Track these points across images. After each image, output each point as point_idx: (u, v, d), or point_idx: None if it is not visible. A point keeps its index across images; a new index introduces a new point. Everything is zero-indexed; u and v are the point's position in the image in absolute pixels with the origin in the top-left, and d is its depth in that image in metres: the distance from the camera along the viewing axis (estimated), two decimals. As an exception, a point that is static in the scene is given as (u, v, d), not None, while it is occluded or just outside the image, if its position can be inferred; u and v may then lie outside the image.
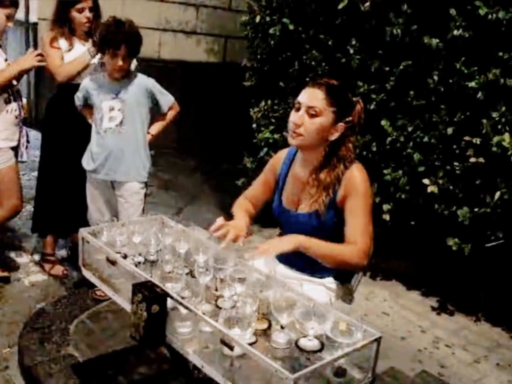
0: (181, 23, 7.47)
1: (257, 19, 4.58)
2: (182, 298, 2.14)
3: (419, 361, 3.40)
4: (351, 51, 3.97)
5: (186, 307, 1.98)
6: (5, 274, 4.01)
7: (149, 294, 2.02)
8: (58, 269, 4.15)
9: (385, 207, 3.92)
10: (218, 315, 1.98)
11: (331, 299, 2.08)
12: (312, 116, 2.32)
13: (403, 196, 3.85)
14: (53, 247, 4.23)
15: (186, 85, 7.17)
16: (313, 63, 4.18)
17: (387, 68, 3.85)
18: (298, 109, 2.37)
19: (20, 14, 7.44)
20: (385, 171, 3.90)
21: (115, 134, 3.56)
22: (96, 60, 3.76)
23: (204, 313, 2.08)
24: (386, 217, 3.92)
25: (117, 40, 3.34)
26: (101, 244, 2.41)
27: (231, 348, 1.80)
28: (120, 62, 3.39)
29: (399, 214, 3.94)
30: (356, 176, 2.35)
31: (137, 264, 2.40)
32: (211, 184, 6.50)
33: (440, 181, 3.63)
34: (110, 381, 2.88)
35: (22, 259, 4.39)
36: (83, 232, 2.51)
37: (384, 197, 3.94)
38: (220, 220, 2.49)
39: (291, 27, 4.27)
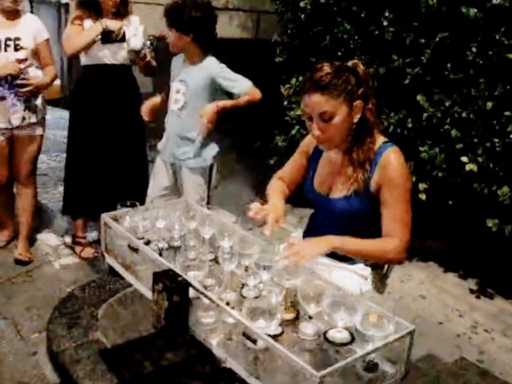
0: (213, 0, 7.33)
1: (287, -8, 4.44)
2: (205, 286, 2.06)
3: (457, 347, 3.27)
4: (385, 23, 3.80)
5: (208, 297, 1.89)
6: (29, 257, 3.99)
7: (170, 284, 1.94)
8: (89, 252, 4.13)
9: (421, 186, 3.77)
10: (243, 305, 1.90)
11: (361, 288, 1.96)
12: (328, 120, 2.17)
13: (440, 175, 3.69)
14: (83, 229, 4.20)
15: (227, 60, 7.07)
16: (345, 36, 4.03)
17: (423, 41, 3.68)
18: (310, 119, 2.22)
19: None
20: (421, 149, 3.75)
21: (175, 117, 3.50)
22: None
23: (228, 303, 2.01)
24: (423, 196, 3.77)
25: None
26: (123, 230, 2.33)
27: (253, 341, 1.71)
28: (170, 38, 3.35)
29: (436, 193, 3.79)
30: (391, 163, 2.20)
31: (160, 250, 2.32)
32: (244, 163, 6.39)
33: (479, 159, 3.47)
34: (137, 366, 2.83)
35: (54, 241, 4.38)
36: (105, 217, 2.43)
37: (420, 176, 3.79)
38: (255, 205, 2.39)
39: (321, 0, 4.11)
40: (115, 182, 3.95)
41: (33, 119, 3.72)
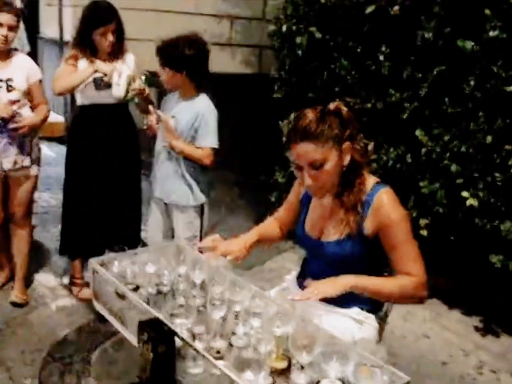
0: (215, 36, 7.37)
1: (284, 28, 4.45)
2: (194, 334, 1.99)
3: (462, 389, 3.17)
4: (381, 58, 3.79)
5: (193, 348, 1.82)
6: (24, 299, 3.92)
7: (155, 333, 1.87)
8: (86, 293, 4.04)
9: (422, 221, 3.71)
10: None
11: (354, 335, 1.88)
12: (319, 167, 2.10)
13: (441, 210, 3.63)
14: (81, 270, 4.13)
15: (221, 97, 7.06)
16: (342, 72, 4.01)
17: (420, 75, 3.65)
18: (299, 169, 2.16)
19: (54, 33, 7.52)
20: (421, 184, 3.69)
21: (165, 154, 3.48)
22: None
23: (219, 351, 1.94)
24: (424, 232, 3.69)
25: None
26: (110, 275, 2.27)
27: (238, 398, 1.63)
28: (163, 76, 3.35)
29: (437, 229, 3.72)
30: (386, 205, 2.13)
31: (150, 296, 2.25)
32: (248, 198, 6.34)
33: (480, 194, 3.41)
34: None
35: (52, 282, 4.32)
36: (93, 262, 2.37)
37: (421, 211, 3.72)
38: (214, 236, 2.42)
39: (318, 35, 4.11)
40: (112, 221, 3.90)
41: (26, 162, 3.68)
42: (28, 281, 4.16)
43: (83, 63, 3.68)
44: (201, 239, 3.53)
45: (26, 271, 4.04)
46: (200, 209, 3.55)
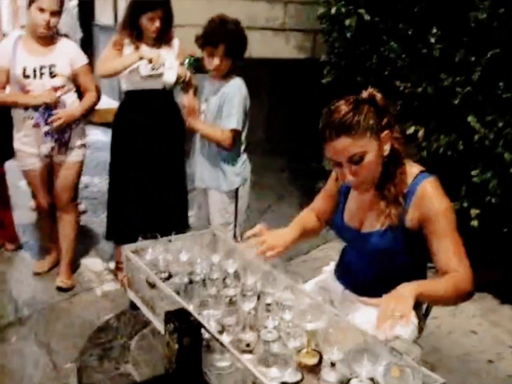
0: (269, 20, 7.28)
1: (333, 10, 4.32)
2: (223, 326, 1.94)
3: (509, 389, 3.01)
4: (432, 40, 3.62)
5: (219, 341, 1.76)
6: (70, 284, 3.96)
7: (181, 325, 1.82)
8: (130, 278, 4.06)
9: (473, 212, 3.54)
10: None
11: (387, 335, 1.78)
12: (358, 162, 1.98)
13: (493, 200, 3.46)
14: (126, 254, 4.14)
15: (274, 83, 7.07)
16: (392, 55, 3.86)
17: (473, 58, 3.48)
18: (338, 165, 2.03)
19: (109, 20, 7.58)
20: (473, 173, 3.52)
21: (200, 138, 3.48)
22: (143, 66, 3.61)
23: (248, 344, 1.88)
24: (474, 223, 3.53)
25: (216, 38, 3.24)
26: (141, 263, 2.23)
27: (261, 395, 1.56)
28: (217, 61, 3.27)
29: (489, 220, 3.55)
30: (429, 195, 2.00)
31: (181, 286, 2.20)
32: (298, 184, 6.25)
33: (535, 183, 3.23)
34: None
35: (98, 267, 4.35)
36: (126, 249, 2.34)
37: (472, 201, 3.56)
38: (259, 226, 2.30)
39: (367, 17, 3.99)
40: (157, 207, 3.89)
41: (65, 150, 3.69)
42: (74, 266, 4.20)
43: (128, 49, 3.67)
44: (235, 227, 3.49)
45: (72, 256, 4.08)
46: (235, 196, 3.50)
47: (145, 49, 3.60)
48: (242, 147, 3.53)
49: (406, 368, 1.57)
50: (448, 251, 1.99)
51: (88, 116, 4.20)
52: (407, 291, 1.87)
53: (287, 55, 7.36)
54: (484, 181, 3.45)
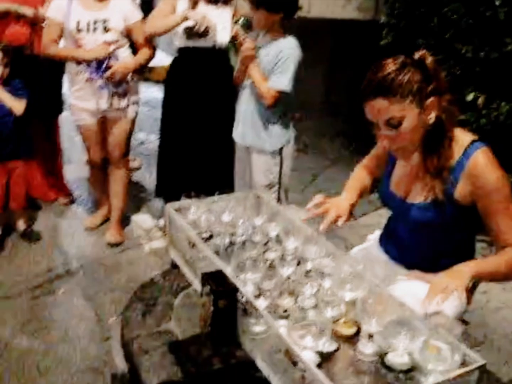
0: (331, -21, 7.10)
1: (393, -31, 4.14)
2: (261, 290, 1.90)
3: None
4: (497, 3, 3.42)
5: (253, 306, 1.72)
6: (119, 239, 4.00)
7: (217, 287, 1.79)
8: (179, 236, 4.08)
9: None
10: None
11: (429, 309, 1.71)
12: (395, 126, 1.87)
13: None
14: (175, 212, 4.15)
15: (336, 44, 6.93)
16: (454, 16, 3.68)
17: (541, 21, 3.27)
18: (377, 127, 1.93)
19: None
20: (534, 143, 3.35)
21: (247, 94, 3.40)
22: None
23: (286, 310, 1.84)
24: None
25: None
26: (182, 222, 2.21)
27: (294, 363, 1.52)
28: (257, 17, 3.21)
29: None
30: (481, 167, 1.88)
31: (222, 247, 2.17)
32: (354, 149, 6.13)
33: None
34: (205, 363, 2.71)
35: (148, 223, 4.38)
36: (169, 207, 2.32)
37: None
38: (319, 197, 2.19)
39: (428, -24, 3.79)
40: (206, 165, 3.89)
41: (122, 104, 3.69)
42: (124, 222, 4.26)
43: (182, 4, 3.61)
44: (279, 189, 3.44)
45: (122, 212, 4.13)
46: (280, 157, 3.43)
47: (191, 11, 3.55)
48: (289, 107, 3.44)
49: (444, 345, 1.50)
50: (505, 226, 1.89)
51: (143, 72, 4.19)
52: (464, 271, 1.81)
53: (348, 16, 7.17)
54: (548, 152, 3.28)
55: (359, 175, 2.39)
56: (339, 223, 2.13)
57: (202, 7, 3.63)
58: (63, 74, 3.92)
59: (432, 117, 1.89)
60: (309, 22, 6.98)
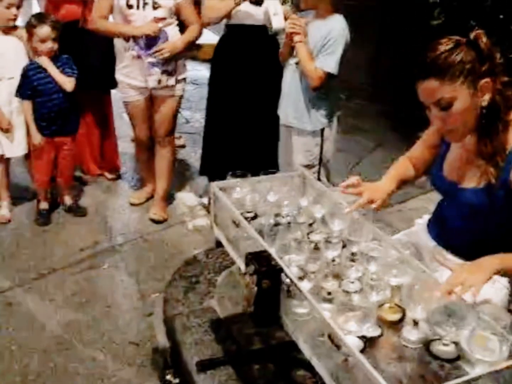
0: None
1: None
2: (305, 272, 1.88)
3: None
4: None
5: (297, 287, 1.70)
6: (163, 216, 4.02)
7: (261, 267, 1.78)
8: (222, 214, 4.08)
9: None
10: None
11: (475, 298, 1.66)
12: (447, 108, 1.81)
13: None
14: (219, 191, 4.16)
15: (384, 23, 6.76)
16: (510, -4, 3.55)
17: None
18: (429, 108, 1.88)
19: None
20: None
21: (291, 72, 3.36)
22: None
23: (329, 293, 1.81)
24: None
25: None
26: (227, 201, 2.20)
27: (337, 347, 1.50)
28: None
29: None
30: None
31: (267, 227, 2.15)
32: (399, 132, 6.02)
33: None
34: (245, 341, 2.71)
35: (192, 201, 4.40)
36: (214, 186, 2.31)
37: None
38: (354, 178, 2.16)
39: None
40: (251, 144, 3.87)
41: (171, 82, 3.68)
42: (169, 199, 4.28)
43: None
44: (319, 170, 3.40)
45: (167, 189, 4.14)
46: (321, 138, 3.39)
47: None
48: (333, 90, 3.40)
49: (492, 335, 1.46)
50: None
51: (191, 50, 4.18)
52: (487, 264, 1.73)
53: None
54: None
55: (402, 165, 2.35)
56: (372, 206, 2.11)
57: None
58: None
59: (485, 99, 1.83)
60: (357, 1, 6.87)
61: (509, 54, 3.64)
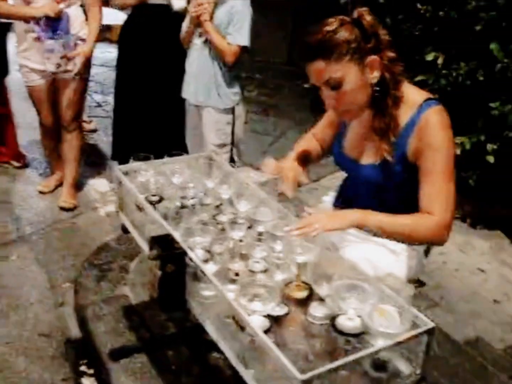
0: None
1: None
2: (211, 253, 1.85)
3: (512, 331, 2.91)
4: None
5: (200, 269, 1.67)
6: (73, 203, 3.91)
7: (165, 251, 1.73)
8: (135, 200, 4.00)
9: (490, 146, 3.36)
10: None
11: (376, 271, 1.68)
12: (336, 87, 1.82)
13: (510, 135, 3.27)
14: (131, 175, 4.07)
15: (299, 4, 6.71)
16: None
17: (500, -20, 3.22)
18: (321, 89, 1.88)
19: None
20: (492, 105, 3.32)
21: (198, 52, 3.34)
22: None
23: (237, 274, 1.79)
24: (491, 158, 3.35)
25: None
26: (131, 185, 2.14)
27: (242, 328, 1.48)
28: None
29: (506, 156, 3.37)
30: (430, 126, 1.83)
31: (172, 210, 2.11)
32: (316, 111, 6.07)
33: (557, 119, 3.04)
34: (159, 327, 2.67)
35: (104, 187, 4.28)
36: (117, 170, 2.25)
37: (490, 135, 3.39)
38: (270, 160, 2.14)
39: None
40: (159, 127, 3.81)
41: (70, 66, 3.54)
42: (80, 186, 4.16)
43: None
44: (232, 149, 3.40)
45: (75, 176, 4.02)
46: (232, 116, 3.40)
47: None
48: (241, 68, 3.43)
49: (392, 308, 1.48)
50: (433, 191, 1.84)
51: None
52: (347, 214, 1.81)
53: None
54: (503, 114, 3.26)
55: (307, 143, 2.35)
56: (303, 182, 2.10)
57: None
58: (7, 34, 3.76)
59: (375, 76, 1.84)
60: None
61: (415, 31, 3.72)
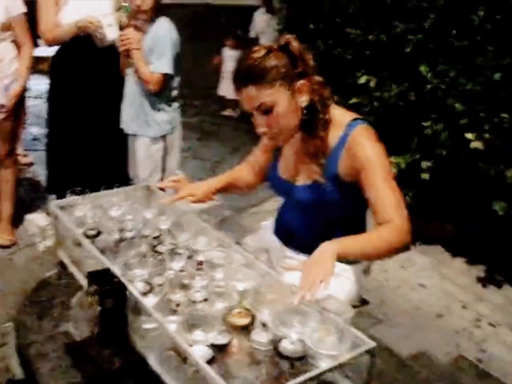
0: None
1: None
2: (152, 286, 1.83)
3: (456, 344, 2.95)
4: (384, -13, 3.46)
5: (140, 303, 1.66)
6: (10, 240, 3.82)
7: (102, 286, 1.71)
8: (75, 233, 3.93)
9: (424, 164, 3.46)
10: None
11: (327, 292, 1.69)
12: (267, 112, 1.88)
13: (444, 153, 3.38)
14: (70, 208, 3.99)
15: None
16: (343, 1, 3.69)
17: (425, 4, 3.34)
18: (253, 115, 1.93)
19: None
20: (424, 124, 3.42)
21: (130, 81, 3.35)
22: None
23: (178, 304, 1.78)
24: (426, 176, 3.45)
25: None
26: (67, 220, 2.11)
27: (183, 359, 1.47)
28: (138, 1, 3.15)
29: (440, 173, 3.47)
30: (360, 144, 1.89)
31: (110, 244, 2.08)
32: (257, 136, 6.11)
33: (486, 136, 3.13)
34: (103, 362, 2.62)
35: (43, 221, 4.19)
36: (53, 206, 2.21)
37: (424, 154, 3.48)
38: (179, 175, 2.30)
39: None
40: (98, 158, 3.74)
41: (1, 100, 3.49)
42: (18, 221, 4.06)
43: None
44: (162, 178, 3.40)
45: (11, 212, 3.93)
46: (163, 144, 3.41)
47: (81, 20, 3.41)
48: (174, 93, 3.40)
49: (334, 329, 1.49)
50: (383, 200, 1.86)
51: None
52: (326, 252, 1.75)
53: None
54: (436, 133, 3.36)
55: (238, 170, 2.41)
56: (189, 199, 2.19)
57: None
58: None
59: (304, 100, 1.90)
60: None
61: (346, 55, 3.81)
